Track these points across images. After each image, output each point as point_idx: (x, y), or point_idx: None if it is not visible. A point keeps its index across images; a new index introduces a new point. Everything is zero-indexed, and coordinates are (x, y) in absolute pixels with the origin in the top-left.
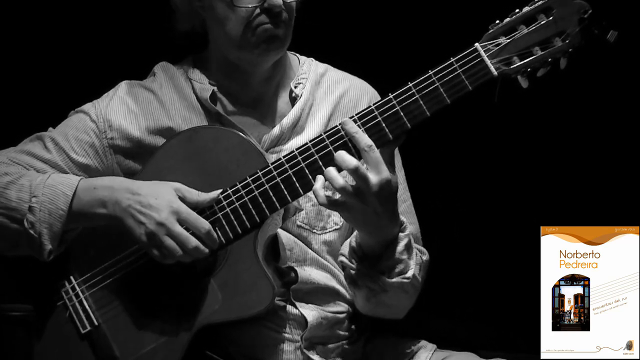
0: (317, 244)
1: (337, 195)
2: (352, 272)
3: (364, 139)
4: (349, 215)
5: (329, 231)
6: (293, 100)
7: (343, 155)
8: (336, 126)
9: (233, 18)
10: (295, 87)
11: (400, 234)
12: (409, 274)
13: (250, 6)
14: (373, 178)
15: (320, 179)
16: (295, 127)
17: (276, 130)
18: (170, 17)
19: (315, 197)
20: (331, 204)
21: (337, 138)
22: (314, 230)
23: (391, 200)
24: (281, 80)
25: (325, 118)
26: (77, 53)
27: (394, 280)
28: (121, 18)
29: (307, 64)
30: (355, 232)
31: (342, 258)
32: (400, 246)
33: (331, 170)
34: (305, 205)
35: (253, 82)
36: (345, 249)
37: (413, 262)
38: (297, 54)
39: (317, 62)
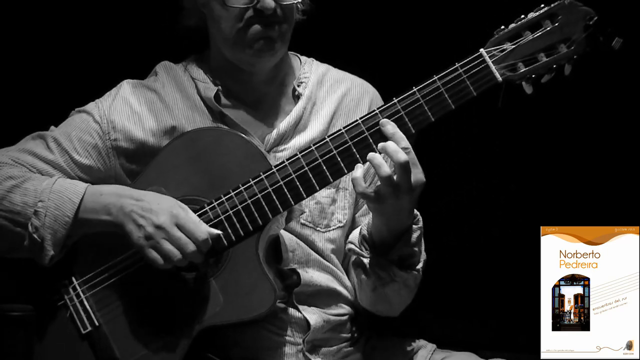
0: (321, 242)
1: (371, 189)
2: (363, 259)
3: (404, 140)
4: (379, 207)
5: (333, 229)
6: (296, 99)
7: (394, 146)
8: (348, 127)
9: (226, 17)
10: (298, 85)
11: (414, 226)
12: (419, 266)
13: (241, 6)
14: (414, 176)
15: (359, 167)
16: (298, 126)
17: (279, 128)
18: (174, 14)
19: (355, 185)
20: (368, 193)
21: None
22: (318, 229)
23: (416, 199)
24: (284, 80)
25: (328, 117)
26: (77, 51)
27: (403, 271)
28: (122, 16)
29: (309, 64)
30: (366, 221)
31: (351, 246)
32: (414, 238)
33: (377, 157)
34: (309, 203)
35: (255, 82)
36: (354, 237)
37: (422, 256)
38: (298, 55)
39: (318, 62)
